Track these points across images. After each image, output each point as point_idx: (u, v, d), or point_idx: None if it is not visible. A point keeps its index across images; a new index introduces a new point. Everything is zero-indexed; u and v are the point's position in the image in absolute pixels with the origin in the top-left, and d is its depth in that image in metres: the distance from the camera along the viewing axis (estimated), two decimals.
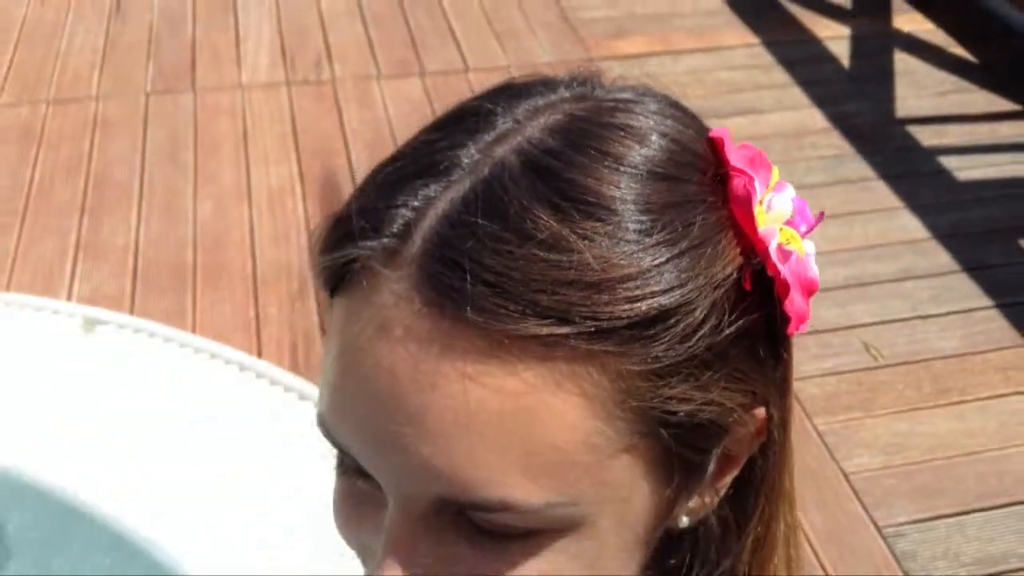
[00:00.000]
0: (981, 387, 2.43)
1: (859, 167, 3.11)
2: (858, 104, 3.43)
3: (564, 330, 0.47)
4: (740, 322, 0.50)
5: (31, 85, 3.47)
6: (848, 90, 3.53)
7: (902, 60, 3.71)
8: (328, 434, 0.53)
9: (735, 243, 0.51)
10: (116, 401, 2.20)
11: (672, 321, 0.48)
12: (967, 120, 3.40)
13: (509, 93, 0.54)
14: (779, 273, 0.51)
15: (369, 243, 0.50)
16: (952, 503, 2.18)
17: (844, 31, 3.86)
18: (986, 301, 2.66)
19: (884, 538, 2.08)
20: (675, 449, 0.51)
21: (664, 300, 0.48)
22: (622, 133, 0.51)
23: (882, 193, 3.02)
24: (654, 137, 0.52)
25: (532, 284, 0.47)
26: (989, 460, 2.27)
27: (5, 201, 2.94)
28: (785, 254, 0.51)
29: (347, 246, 0.51)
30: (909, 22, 3.94)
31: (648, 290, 0.48)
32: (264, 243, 2.80)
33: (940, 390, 2.42)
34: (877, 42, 3.81)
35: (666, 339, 0.48)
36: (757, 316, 0.51)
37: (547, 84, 0.55)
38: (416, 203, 0.49)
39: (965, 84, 3.58)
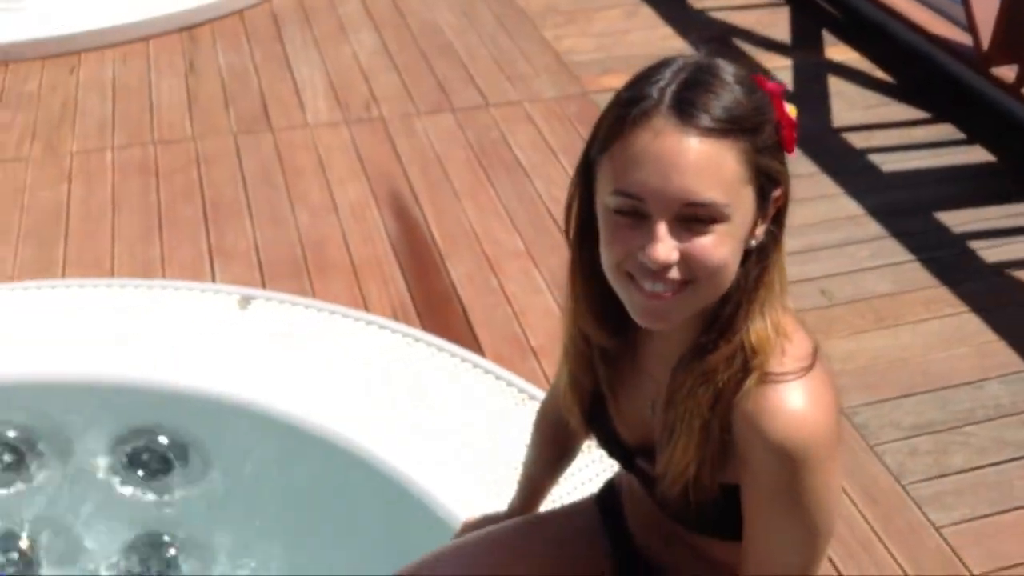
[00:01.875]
0: (909, 315, 3.28)
1: (808, 165, 3.99)
2: (803, 118, 4.23)
3: (734, 127, 1.15)
4: (777, 137, 1.26)
5: (135, 131, 4.24)
6: (795, 108, 4.41)
7: (835, 83, 4.61)
8: (625, 194, 1.16)
9: (777, 105, 1.27)
10: (276, 359, 2.96)
11: (767, 127, 1.23)
12: (888, 127, 4.30)
13: (666, 60, 1.27)
14: (792, 121, 1.28)
15: (642, 104, 1.16)
16: (891, 392, 3.01)
17: (787, 62, 4.76)
18: (909, 256, 3.53)
19: (846, 416, 2.90)
20: (763, 186, 1.24)
21: (765, 117, 1.23)
22: (725, 65, 1.25)
23: (826, 183, 3.90)
24: (733, 67, 1.26)
25: (721, 108, 1.15)
26: (916, 364, 3.10)
27: (143, 219, 3.70)
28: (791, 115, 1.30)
29: (631, 110, 1.16)
30: (839, 53, 4.86)
31: (763, 112, 1.23)
32: (356, 243, 3.59)
33: (879, 318, 3.27)
34: (814, 70, 4.71)
35: (765, 134, 1.20)
36: (779, 138, 1.27)
37: (678, 57, 1.27)
38: (657, 89, 1.17)
39: (886, 99, 4.49)
